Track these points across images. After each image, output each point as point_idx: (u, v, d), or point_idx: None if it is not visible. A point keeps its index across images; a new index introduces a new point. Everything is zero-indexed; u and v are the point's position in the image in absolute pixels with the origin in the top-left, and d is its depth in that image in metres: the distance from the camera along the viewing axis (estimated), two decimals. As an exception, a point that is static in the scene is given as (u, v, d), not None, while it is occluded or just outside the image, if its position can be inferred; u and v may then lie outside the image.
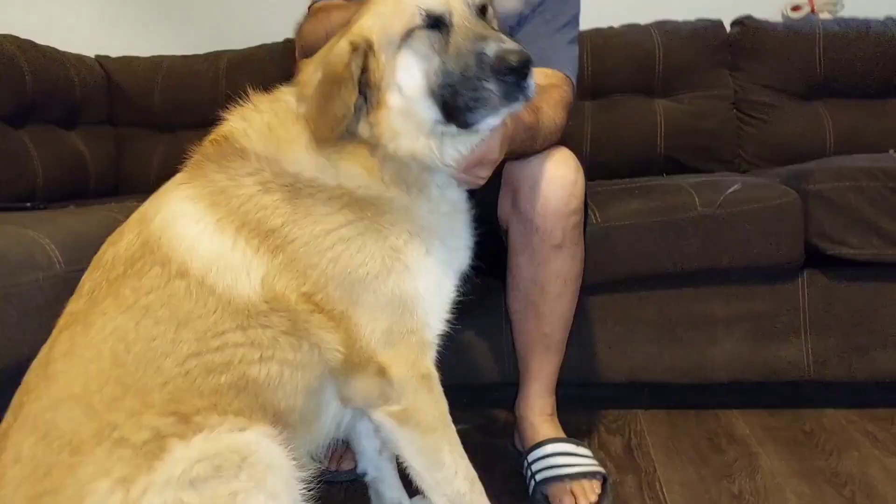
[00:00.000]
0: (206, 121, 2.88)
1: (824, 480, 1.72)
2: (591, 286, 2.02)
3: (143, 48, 3.05)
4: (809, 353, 2.07)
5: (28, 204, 1.92)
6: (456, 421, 2.10)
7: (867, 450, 1.87)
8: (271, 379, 1.13)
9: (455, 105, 1.15)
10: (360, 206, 1.17)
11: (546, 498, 1.61)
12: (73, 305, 1.15)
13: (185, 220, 1.15)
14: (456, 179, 1.27)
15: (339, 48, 1.19)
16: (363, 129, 1.19)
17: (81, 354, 1.07)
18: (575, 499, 1.59)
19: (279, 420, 1.15)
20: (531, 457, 1.69)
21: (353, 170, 1.18)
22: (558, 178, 1.58)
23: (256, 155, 1.18)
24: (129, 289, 1.11)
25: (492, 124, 1.22)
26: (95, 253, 1.45)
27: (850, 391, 2.15)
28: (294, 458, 1.10)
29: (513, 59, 1.11)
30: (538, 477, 1.65)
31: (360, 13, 1.24)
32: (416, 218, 1.20)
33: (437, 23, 1.16)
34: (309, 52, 1.35)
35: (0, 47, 2.40)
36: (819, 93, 2.75)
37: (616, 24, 2.85)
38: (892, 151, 2.17)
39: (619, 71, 2.79)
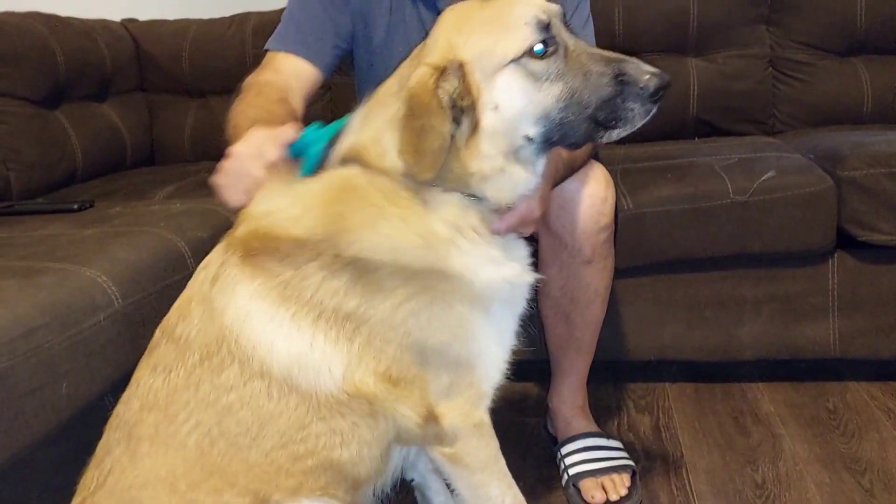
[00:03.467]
0: (234, 86, 2.93)
1: (844, 467, 1.80)
2: (622, 270, 2.07)
3: (169, 8, 3.02)
4: (836, 333, 2.12)
5: (75, 205, 1.97)
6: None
7: (887, 431, 1.95)
8: (353, 458, 1.18)
9: (575, 125, 1.14)
10: (421, 278, 1.16)
11: (579, 492, 1.71)
12: (150, 378, 1.16)
13: (259, 320, 1.13)
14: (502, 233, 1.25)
15: (419, 75, 1.12)
16: (453, 158, 1.15)
17: (167, 443, 1.12)
18: (606, 493, 1.69)
19: (357, 485, 1.22)
20: (564, 450, 1.79)
21: (404, 243, 1.16)
22: (588, 196, 1.60)
23: (312, 240, 1.14)
24: (208, 384, 1.13)
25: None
26: (148, 280, 1.54)
27: (873, 365, 2.21)
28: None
29: (658, 82, 1.11)
30: (571, 471, 1.74)
31: (436, 30, 1.19)
32: (471, 287, 1.19)
33: (549, 42, 1.13)
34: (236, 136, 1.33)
35: (30, 29, 2.39)
36: (858, 49, 2.68)
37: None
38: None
39: (651, 29, 2.72)
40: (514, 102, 1.13)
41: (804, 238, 2.03)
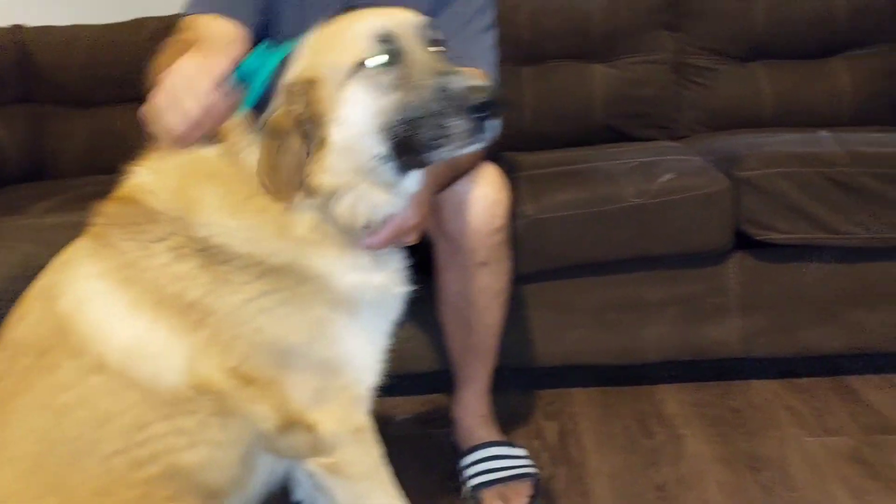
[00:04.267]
0: (129, 95, 2.77)
1: (745, 466, 1.80)
2: (526, 275, 2.06)
3: (61, 15, 2.88)
4: (737, 332, 2.13)
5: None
6: (398, 411, 2.18)
7: (788, 428, 1.96)
8: (202, 462, 1.12)
9: (413, 142, 1.11)
10: (277, 275, 1.12)
11: (479, 503, 1.66)
12: None
13: (96, 304, 1.08)
14: (375, 248, 1.21)
15: (279, 106, 1.14)
16: (307, 170, 1.13)
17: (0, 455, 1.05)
18: (506, 502, 1.65)
19: (213, 495, 1.14)
20: (465, 461, 1.74)
21: (262, 234, 1.12)
22: (481, 197, 1.56)
23: (167, 216, 1.12)
24: (43, 385, 1.06)
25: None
26: (7, 297, 1.42)
27: (775, 363, 2.23)
28: None
29: (481, 97, 1.07)
30: (472, 482, 1.70)
31: (300, 46, 1.18)
32: (335, 291, 1.15)
33: (391, 54, 1.11)
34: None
35: None
36: (758, 54, 2.73)
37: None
38: (822, 132, 2.19)
39: (556, 35, 2.73)
40: (356, 117, 1.12)
41: (703, 239, 2.05)
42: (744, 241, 2.08)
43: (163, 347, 1.08)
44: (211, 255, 1.10)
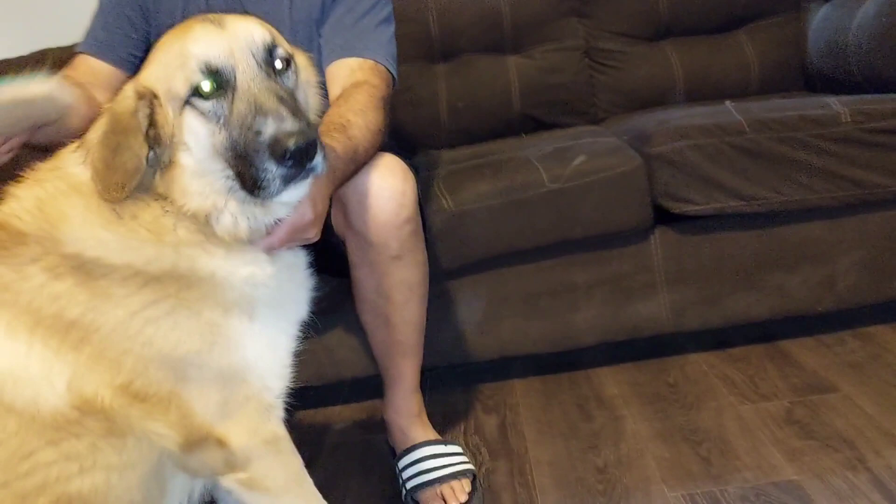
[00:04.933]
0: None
1: (683, 439, 1.80)
2: (452, 270, 2.05)
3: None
4: (667, 307, 2.14)
5: None
6: (336, 419, 2.15)
7: (724, 398, 1.97)
8: (98, 488, 1.07)
9: (246, 177, 1.10)
10: (161, 283, 1.08)
11: (417, 504, 1.64)
12: None
13: None
14: (275, 249, 1.19)
15: (124, 95, 1.12)
16: (158, 184, 1.12)
17: None
18: (445, 502, 1.62)
19: None
20: (401, 463, 1.71)
21: (137, 241, 1.09)
22: (386, 189, 1.52)
23: (34, 237, 1.08)
24: None
25: (285, 200, 1.17)
26: None
27: (707, 334, 2.24)
28: None
29: (290, 144, 1.05)
30: (408, 484, 1.67)
31: (153, 51, 1.18)
32: (226, 289, 1.12)
33: (219, 86, 1.09)
34: None
35: None
36: (665, 34, 2.77)
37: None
38: (728, 103, 2.22)
39: (467, 29, 2.72)
40: (198, 146, 1.10)
41: (622, 217, 2.05)
42: (663, 216, 2.09)
43: (42, 369, 1.04)
44: (87, 270, 1.06)
